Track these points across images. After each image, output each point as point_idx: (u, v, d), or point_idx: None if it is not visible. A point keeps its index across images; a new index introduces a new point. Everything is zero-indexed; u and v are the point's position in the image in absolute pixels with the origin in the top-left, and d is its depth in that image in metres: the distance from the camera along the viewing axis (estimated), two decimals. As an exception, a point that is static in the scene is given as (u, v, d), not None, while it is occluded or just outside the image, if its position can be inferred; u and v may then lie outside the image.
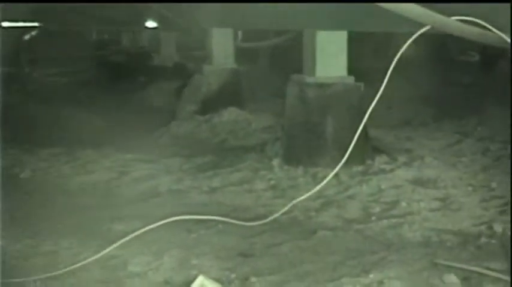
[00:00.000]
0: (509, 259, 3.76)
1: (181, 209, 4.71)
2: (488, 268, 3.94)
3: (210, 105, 8.50)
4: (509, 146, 6.61)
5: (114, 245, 4.17)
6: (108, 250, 4.14)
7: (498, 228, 4.63)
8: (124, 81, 8.85)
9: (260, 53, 9.86)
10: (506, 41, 3.78)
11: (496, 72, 8.76)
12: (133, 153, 6.82)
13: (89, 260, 4.02)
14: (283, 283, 3.87)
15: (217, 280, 3.44)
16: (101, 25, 9.50)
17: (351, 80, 6.49)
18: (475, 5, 3.90)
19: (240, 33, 9.64)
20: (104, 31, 10.51)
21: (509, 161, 6.15)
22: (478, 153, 6.80)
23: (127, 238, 4.24)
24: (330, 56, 6.54)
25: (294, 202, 4.59)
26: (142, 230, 4.29)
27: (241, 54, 9.20)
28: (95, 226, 4.61)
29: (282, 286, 3.83)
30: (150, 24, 9.56)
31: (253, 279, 3.93)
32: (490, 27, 3.79)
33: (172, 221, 4.34)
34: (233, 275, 3.96)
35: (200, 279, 3.30)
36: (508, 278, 3.80)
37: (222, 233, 4.61)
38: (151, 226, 4.31)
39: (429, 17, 3.90)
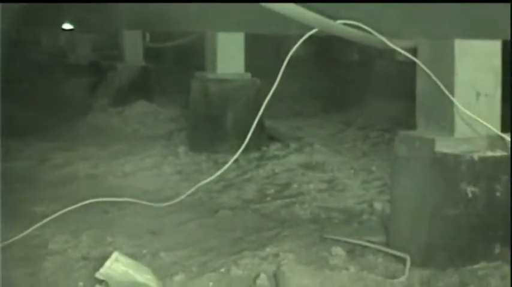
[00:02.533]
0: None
1: (98, 192, 4.65)
2: (369, 241, 3.98)
3: (122, 99, 8.44)
4: (386, 134, 6.69)
5: (36, 226, 4.11)
6: (30, 230, 4.07)
7: (378, 206, 4.68)
8: (43, 78, 8.70)
9: (167, 52, 9.81)
10: (384, 43, 3.81)
11: (373, 70, 8.87)
12: (53, 142, 6.72)
13: (12, 239, 3.94)
14: (189, 257, 3.85)
15: (130, 255, 3.40)
16: (21, 25, 9.27)
17: (248, 76, 6.53)
18: (359, 10, 3.92)
19: (148, 34, 9.60)
20: (24, 31, 10.27)
21: (386, 146, 6.21)
22: (359, 140, 6.87)
23: (47, 219, 4.18)
24: (229, 55, 6.56)
25: (199, 185, 4.57)
26: (62, 211, 4.22)
27: (149, 53, 9.17)
28: (18, 208, 4.52)
29: (188, 260, 3.81)
30: (67, 26, 9.47)
31: (162, 254, 3.90)
32: (371, 30, 3.82)
33: (90, 203, 4.28)
34: (144, 251, 3.93)
35: (115, 255, 3.25)
36: (387, 249, 3.84)
37: (134, 214, 4.57)
38: (70, 208, 4.24)
39: (317, 21, 3.91)
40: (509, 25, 3.06)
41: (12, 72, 7.26)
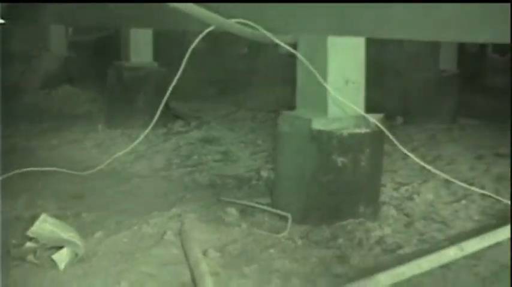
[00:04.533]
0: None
1: (29, 162, 4.54)
2: (257, 203, 3.98)
3: (48, 83, 8.27)
4: (270, 114, 6.69)
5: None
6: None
7: (264, 173, 4.68)
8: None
9: (87, 44, 9.62)
10: (270, 38, 3.80)
11: (260, 61, 8.88)
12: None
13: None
14: (107, 217, 3.79)
15: (56, 216, 3.32)
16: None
17: (156, 65, 6.48)
18: (249, 10, 3.90)
19: (70, 29, 9.42)
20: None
21: (270, 124, 6.22)
22: (248, 119, 6.87)
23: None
24: (140, 47, 6.50)
25: (114, 156, 4.51)
26: (-2, 178, 4.12)
27: (72, 45, 8.99)
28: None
29: (106, 220, 3.75)
30: (-1, 20, 9.23)
31: (84, 215, 3.84)
32: (259, 27, 3.80)
33: (23, 172, 4.18)
34: (68, 213, 3.86)
35: (43, 216, 3.18)
36: (272, 209, 3.85)
37: (60, 181, 4.47)
38: (4, 176, 4.13)
39: (214, 19, 3.88)
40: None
41: None
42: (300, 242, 3.47)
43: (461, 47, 7.10)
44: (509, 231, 3.46)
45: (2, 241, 3.40)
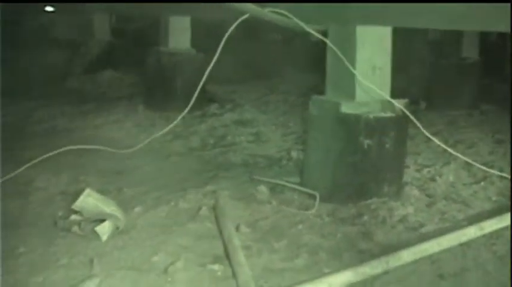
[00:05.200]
0: None
1: (74, 141, 4.57)
2: (287, 181, 3.98)
3: (93, 68, 8.32)
4: (301, 98, 6.67)
5: (24, 167, 4.02)
6: (19, 170, 3.98)
7: (294, 154, 4.68)
8: (28, 50, 8.45)
9: (129, 31, 9.64)
10: (301, 26, 3.77)
11: (292, 48, 8.83)
12: (37, 101, 6.57)
13: (5, 178, 3.85)
14: (146, 193, 3.82)
15: (99, 191, 3.35)
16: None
17: (194, 51, 6.47)
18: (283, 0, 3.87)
19: (113, 16, 9.43)
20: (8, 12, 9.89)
21: (301, 108, 6.20)
22: (280, 102, 6.85)
23: (33, 162, 4.09)
24: (178, 34, 6.50)
25: (153, 136, 4.52)
26: (45, 155, 4.14)
27: (115, 32, 9.02)
28: (9, 154, 4.41)
29: (145, 195, 3.77)
30: (49, 8, 9.25)
31: (125, 190, 3.87)
32: (292, 16, 3.78)
33: (67, 150, 4.20)
34: (111, 188, 3.88)
35: (87, 191, 3.21)
36: (301, 188, 3.85)
37: (102, 158, 4.49)
38: (51, 153, 4.16)
39: (249, 8, 3.85)
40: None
41: (1, 45, 7.05)
42: (327, 219, 3.46)
43: (483, 36, 7.01)
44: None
45: (49, 214, 3.44)
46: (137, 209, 3.50)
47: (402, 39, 4.17)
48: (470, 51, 6.77)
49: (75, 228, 3.19)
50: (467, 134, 5.43)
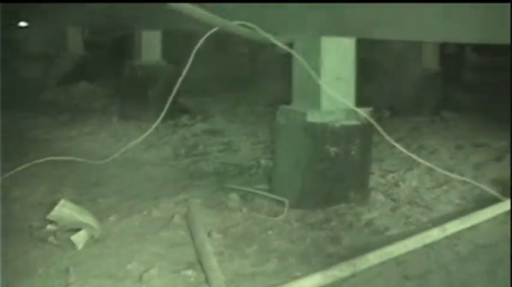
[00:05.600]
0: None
1: (51, 152, 4.53)
2: (257, 189, 3.97)
3: (67, 80, 8.26)
4: (269, 108, 6.67)
5: (1, 178, 3.98)
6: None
7: (263, 162, 4.67)
8: (5, 65, 8.37)
9: (102, 44, 9.59)
10: (268, 38, 3.77)
11: (259, 58, 8.83)
12: (13, 113, 6.50)
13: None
14: (121, 201, 3.79)
15: (75, 201, 3.31)
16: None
17: (165, 63, 6.47)
18: (250, 13, 3.88)
19: (86, 30, 9.38)
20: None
21: (269, 118, 6.19)
22: (248, 113, 6.85)
23: (11, 172, 4.05)
24: (150, 47, 6.49)
25: (128, 146, 4.49)
26: (23, 166, 4.10)
27: (88, 45, 8.97)
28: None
29: (119, 205, 3.74)
30: (23, 23, 9.20)
31: (99, 200, 3.84)
32: (258, 28, 3.78)
33: (44, 161, 4.17)
34: (86, 198, 3.85)
35: (62, 201, 3.18)
36: (270, 195, 3.84)
37: (78, 169, 4.46)
38: (28, 164, 4.12)
39: (218, 21, 3.85)
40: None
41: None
42: (296, 224, 3.46)
43: (442, 47, 7.09)
44: (487, 214, 3.47)
45: (25, 224, 3.40)
46: (112, 218, 3.48)
47: (366, 50, 4.19)
48: (431, 62, 6.85)
49: (51, 238, 3.16)
50: (429, 140, 5.47)
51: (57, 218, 3.17)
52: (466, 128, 5.81)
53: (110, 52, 8.93)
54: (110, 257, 2.98)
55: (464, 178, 4.15)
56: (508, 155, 4.71)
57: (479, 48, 8.70)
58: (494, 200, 3.68)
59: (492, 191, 3.84)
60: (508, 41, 2.82)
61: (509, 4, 2.81)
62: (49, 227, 3.23)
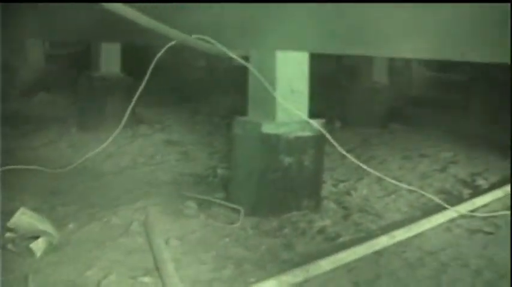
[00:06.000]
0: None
1: (13, 161, 4.45)
2: (214, 197, 3.96)
3: (27, 91, 8.14)
4: (225, 119, 6.66)
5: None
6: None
7: (220, 172, 4.66)
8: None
9: (62, 57, 9.49)
10: (224, 52, 3.78)
11: (217, 72, 8.84)
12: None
13: None
14: (80, 209, 3.74)
15: (34, 209, 3.26)
16: None
17: (123, 75, 6.42)
18: (207, 27, 3.88)
19: (47, 42, 9.28)
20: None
21: (225, 128, 6.19)
22: (205, 123, 6.83)
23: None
24: (109, 59, 6.43)
25: (86, 156, 4.45)
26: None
27: (49, 57, 8.87)
28: None
29: (78, 213, 3.69)
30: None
31: (59, 208, 3.79)
32: (215, 42, 3.78)
33: (6, 169, 4.10)
34: (45, 206, 3.79)
35: (22, 209, 3.13)
36: (226, 203, 3.84)
37: (38, 178, 4.39)
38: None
39: (176, 34, 3.84)
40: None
41: None
42: (251, 232, 3.46)
43: (391, 62, 7.19)
44: (432, 221, 3.51)
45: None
46: (71, 225, 3.43)
47: (318, 64, 4.22)
48: (380, 76, 6.93)
49: (10, 245, 3.10)
50: (379, 151, 5.52)
51: (16, 226, 3.12)
52: (412, 139, 5.88)
53: (70, 64, 8.84)
54: (69, 265, 2.94)
55: (411, 187, 4.20)
56: (452, 166, 4.79)
57: (428, 63, 8.83)
58: (440, 208, 3.74)
59: (437, 200, 3.89)
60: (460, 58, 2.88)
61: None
62: (8, 234, 3.17)
